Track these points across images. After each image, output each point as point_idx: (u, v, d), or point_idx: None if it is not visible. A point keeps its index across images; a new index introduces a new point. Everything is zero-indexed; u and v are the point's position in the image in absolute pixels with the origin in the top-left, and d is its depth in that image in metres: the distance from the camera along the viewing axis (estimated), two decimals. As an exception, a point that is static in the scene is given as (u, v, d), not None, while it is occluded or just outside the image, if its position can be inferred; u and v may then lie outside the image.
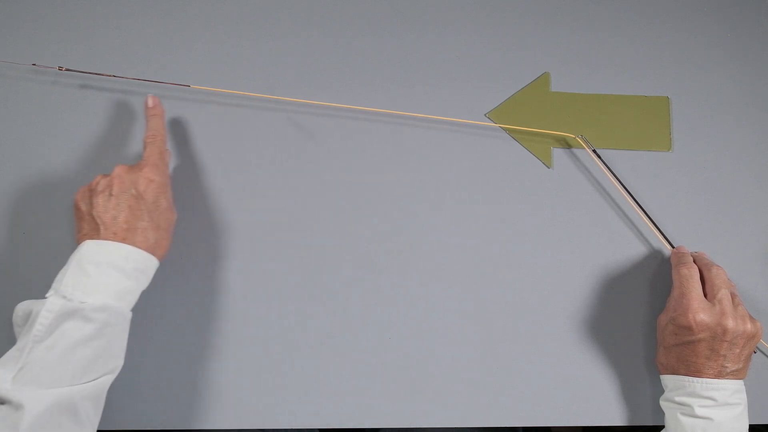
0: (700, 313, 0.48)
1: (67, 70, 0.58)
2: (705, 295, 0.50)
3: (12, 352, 0.42)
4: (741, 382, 0.49)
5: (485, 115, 0.60)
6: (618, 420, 0.54)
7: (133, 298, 0.47)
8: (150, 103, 0.54)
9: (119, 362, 0.46)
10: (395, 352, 0.55)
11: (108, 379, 0.45)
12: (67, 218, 0.57)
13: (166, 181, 0.50)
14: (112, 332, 0.45)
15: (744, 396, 0.49)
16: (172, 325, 0.55)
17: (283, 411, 0.54)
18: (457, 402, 0.54)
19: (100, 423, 0.53)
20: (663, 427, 0.52)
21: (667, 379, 0.51)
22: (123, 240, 0.46)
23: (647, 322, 0.56)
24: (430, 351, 0.55)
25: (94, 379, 0.43)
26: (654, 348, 0.55)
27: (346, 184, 0.58)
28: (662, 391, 0.53)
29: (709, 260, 0.53)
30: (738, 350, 0.49)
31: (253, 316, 0.56)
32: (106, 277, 0.45)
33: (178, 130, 0.59)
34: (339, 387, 0.54)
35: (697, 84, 0.61)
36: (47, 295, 0.44)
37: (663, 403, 0.52)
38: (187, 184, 0.58)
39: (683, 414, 0.49)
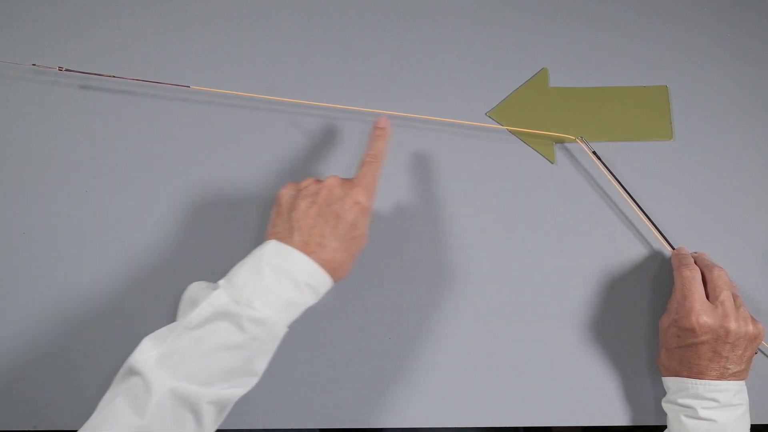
0: (703, 315, 0.48)
1: (67, 70, 0.58)
2: (707, 297, 0.50)
3: (164, 330, 0.42)
4: (743, 383, 0.49)
5: (486, 114, 0.60)
6: (619, 420, 0.54)
7: (295, 312, 0.45)
8: (381, 124, 0.51)
9: (254, 380, 0.44)
10: (395, 353, 0.55)
11: (238, 393, 0.44)
12: (67, 218, 0.57)
13: (370, 206, 0.48)
14: (258, 348, 0.43)
15: (746, 397, 0.49)
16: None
17: (283, 411, 0.54)
18: (457, 402, 0.54)
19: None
20: (664, 426, 0.51)
21: (670, 382, 0.51)
22: (311, 253, 0.44)
23: (648, 321, 0.56)
24: (431, 351, 0.55)
25: (226, 388, 0.42)
26: (654, 345, 0.55)
27: (346, 184, 0.58)
28: (663, 390, 0.53)
29: (710, 261, 0.53)
30: (740, 352, 0.48)
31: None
32: (277, 283, 0.43)
33: (177, 130, 0.59)
34: (339, 387, 0.54)
35: (696, 74, 0.61)
36: (219, 282, 0.43)
37: (665, 405, 0.51)
38: (187, 185, 0.58)
39: (686, 416, 0.48)
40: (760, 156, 0.59)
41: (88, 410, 0.54)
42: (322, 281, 0.45)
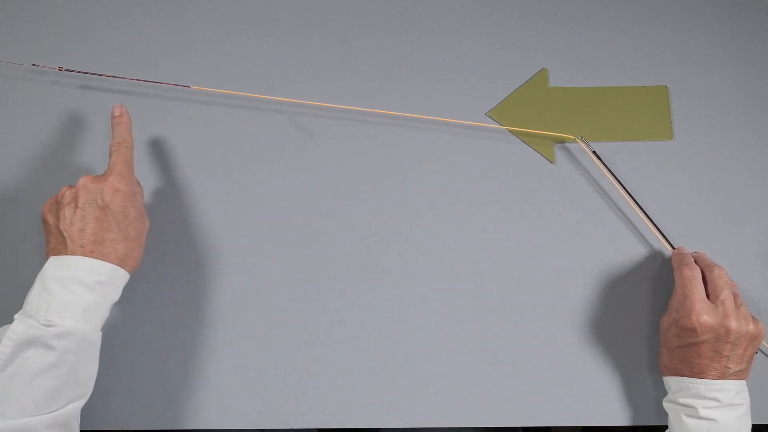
0: (704, 314, 0.48)
1: (67, 70, 0.58)
2: (707, 296, 0.50)
3: None
4: (744, 382, 0.49)
5: (486, 114, 0.60)
6: (619, 420, 0.54)
7: (100, 313, 0.45)
8: (116, 111, 0.52)
9: (87, 389, 0.45)
10: (395, 352, 0.55)
11: (76, 407, 0.44)
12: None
13: (133, 189, 0.49)
14: (76, 359, 0.43)
15: (747, 396, 0.49)
16: (171, 325, 0.55)
17: (283, 411, 0.54)
18: (457, 402, 0.54)
19: (99, 422, 0.53)
20: (665, 427, 0.51)
21: (671, 381, 0.51)
22: (91, 253, 0.45)
23: (648, 321, 0.56)
24: (431, 351, 0.55)
25: (59, 408, 0.42)
26: (655, 345, 0.55)
27: (347, 185, 0.58)
28: (664, 390, 0.53)
29: (710, 260, 0.53)
30: (741, 351, 0.48)
31: (253, 317, 0.55)
32: (68, 293, 0.43)
33: (177, 130, 0.59)
34: (339, 387, 0.54)
35: (696, 74, 0.61)
36: (15, 315, 0.44)
37: (666, 405, 0.51)
38: (187, 185, 0.58)
39: (687, 415, 0.48)
40: (760, 156, 0.59)
41: (88, 410, 0.54)
42: (115, 274, 0.46)
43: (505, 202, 0.58)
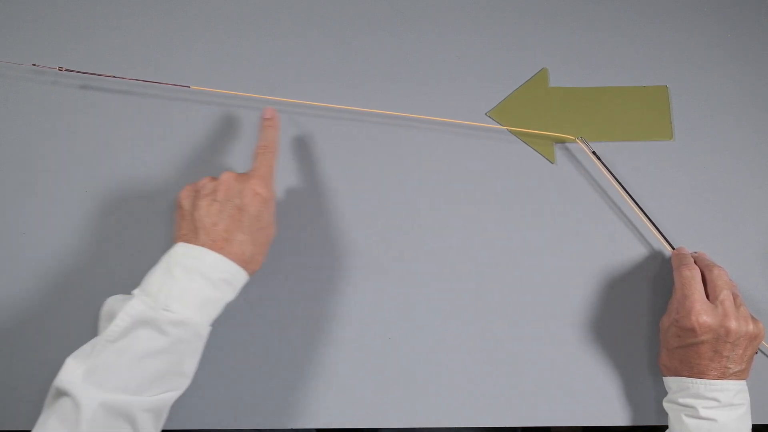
0: (703, 315, 0.48)
1: (67, 70, 0.58)
2: (707, 297, 0.50)
3: (86, 347, 0.42)
4: (744, 382, 0.49)
5: (486, 114, 0.60)
6: (620, 420, 0.54)
7: (215, 309, 0.45)
8: (267, 114, 0.52)
9: (186, 381, 0.45)
10: (396, 352, 0.55)
11: (172, 396, 0.44)
12: (67, 218, 0.57)
13: (271, 195, 0.49)
14: (184, 349, 0.43)
15: (747, 396, 0.49)
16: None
17: (283, 411, 0.54)
18: (457, 402, 0.54)
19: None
20: (665, 427, 0.51)
21: (671, 381, 0.51)
22: (220, 249, 0.45)
23: (648, 321, 0.56)
24: (431, 351, 0.55)
25: (158, 394, 0.42)
26: (655, 345, 0.55)
27: (347, 185, 0.58)
28: (664, 390, 0.53)
29: (710, 261, 0.53)
30: (741, 351, 0.48)
31: (253, 316, 0.55)
32: (191, 282, 0.44)
33: (177, 130, 0.59)
34: (339, 387, 0.54)
35: (696, 74, 0.61)
36: (134, 291, 0.44)
37: (666, 405, 0.51)
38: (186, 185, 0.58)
39: (687, 415, 0.48)
40: (760, 156, 0.59)
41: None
42: (237, 275, 0.46)
43: (505, 202, 0.58)
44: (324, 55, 0.61)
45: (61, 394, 0.40)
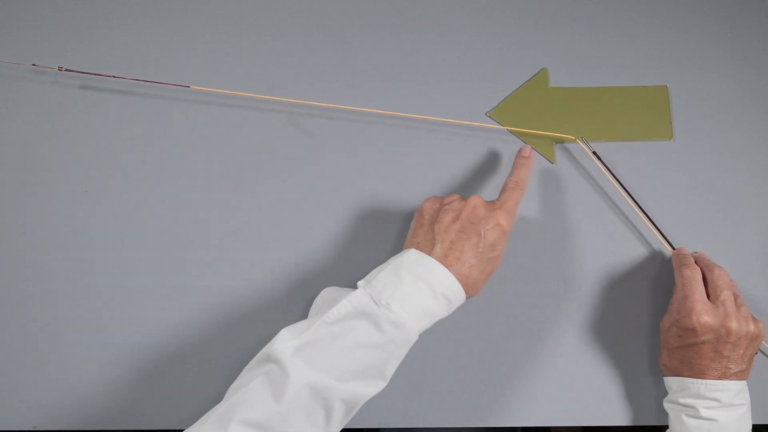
0: (704, 315, 0.48)
1: (67, 70, 0.58)
2: (708, 297, 0.50)
3: (302, 323, 0.43)
4: (744, 382, 0.49)
5: (486, 114, 0.60)
6: (620, 420, 0.54)
7: (429, 322, 0.45)
8: (525, 153, 0.53)
9: (383, 384, 0.44)
10: (395, 353, 0.55)
11: (369, 393, 0.43)
12: (67, 218, 0.57)
13: (509, 230, 0.49)
14: (393, 351, 0.44)
15: (747, 396, 0.49)
16: (172, 325, 0.55)
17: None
18: (458, 402, 0.54)
19: (101, 423, 0.53)
20: (665, 427, 0.51)
21: (671, 381, 0.51)
22: (450, 266, 0.45)
23: (648, 321, 0.56)
24: (431, 351, 0.55)
25: (358, 387, 0.43)
26: (655, 345, 0.55)
27: (347, 185, 0.58)
28: (664, 390, 0.53)
29: (711, 261, 0.53)
30: (741, 351, 0.48)
31: (252, 316, 0.55)
32: (416, 290, 0.44)
33: (177, 130, 0.59)
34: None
35: (696, 74, 0.61)
36: (359, 282, 0.45)
37: (667, 405, 0.51)
38: (187, 185, 0.58)
39: (688, 415, 0.48)
40: (760, 156, 0.59)
41: (88, 410, 0.54)
42: (458, 294, 0.46)
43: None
44: (324, 55, 0.61)
45: (271, 360, 0.41)
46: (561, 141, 0.60)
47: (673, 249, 0.56)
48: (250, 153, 0.59)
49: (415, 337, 0.45)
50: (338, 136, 0.59)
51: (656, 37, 0.62)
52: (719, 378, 0.48)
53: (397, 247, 0.57)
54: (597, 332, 0.56)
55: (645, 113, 0.60)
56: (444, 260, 0.46)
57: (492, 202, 0.50)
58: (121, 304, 0.55)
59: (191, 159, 0.59)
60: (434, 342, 0.55)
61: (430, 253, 0.46)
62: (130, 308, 0.55)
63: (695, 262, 0.52)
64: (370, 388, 0.43)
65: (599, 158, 0.58)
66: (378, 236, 0.57)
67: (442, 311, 0.46)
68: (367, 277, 0.45)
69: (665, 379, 0.52)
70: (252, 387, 0.40)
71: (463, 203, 0.49)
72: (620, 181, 0.58)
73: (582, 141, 0.59)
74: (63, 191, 0.58)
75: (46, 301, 0.55)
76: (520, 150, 0.54)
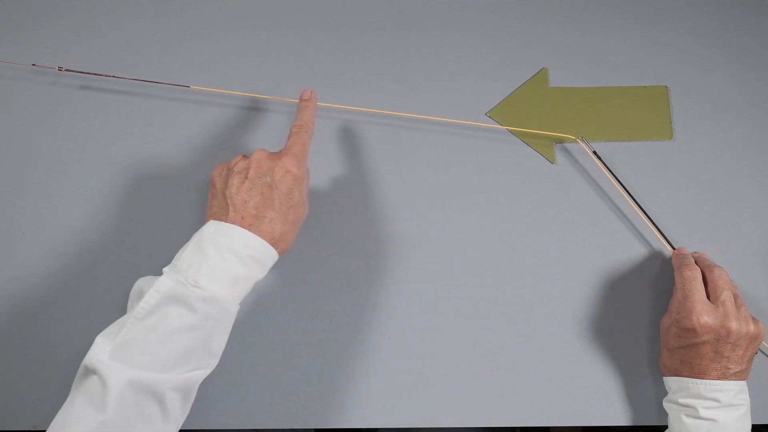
0: (704, 315, 0.48)
1: (67, 70, 0.58)
2: (708, 297, 0.50)
3: (114, 326, 0.42)
4: (744, 382, 0.49)
5: (486, 114, 0.60)
6: (620, 420, 0.54)
7: (244, 287, 0.45)
8: (305, 95, 0.53)
9: (214, 360, 0.45)
10: (395, 352, 0.55)
11: (200, 375, 0.44)
12: (67, 218, 0.57)
13: (303, 174, 0.49)
14: (213, 327, 0.43)
15: (747, 397, 0.49)
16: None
17: (283, 411, 0.54)
18: (457, 402, 0.54)
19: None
20: (665, 427, 0.51)
21: (671, 381, 0.51)
22: (249, 226, 0.45)
23: (648, 321, 0.56)
24: (430, 351, 0.55)
25: (186, 372, 0.42)
26: (655, 345, 0.55)
27: (347, 185, 0.58)
28: (664, 390, 0.53)
29: (711, 261, 0.53)
30: (741, 351, 0.48)
31: (253, 317, 0.55)
32: (221, 259, 0.44)
33: (177, 130, 0.59)
34: (338, 387, 0.54)
35: (696, 74, 0.61)
36: (164, 269, 0.44)
37: (666, 405, 0.51)
38: (187, 185, 0.58)
39: (687, 415, 0.48)
40: (760, 156, 0.59)
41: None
42: (266, 253, 0.46)
43: (505, 203, 0.58)
44: (324, 55, 0.61)
45: (89, 372, 0.40)
46: (561, 141, 0.60)
47: (674, 249, 0.56)
48: (250, 153, 0.59)
49: (234, 308, 0.45)
50: (338, 136, 0.59)
51: (656, 37, 0.62)
52: (719, 378, 0.48)
53: (398, 246, 0.57)
54: (597, 332, 0.56)
55: (645, 113, 0.60)
56: (241, 222, 0.45)
57: (277, 152, 0.49)
58: (122, 305, 0.55)
59: (191, 159, 0.59)
60: (434, 342, 0.55)
61: (226, 219, 0.46)
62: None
63: (695, 263, 0.52)
64: (199, 370, 0.43)
65: (599, 158, 0.58)
66: (377, 236, 0.57)
67: (255, 274, 0.45)
68: (173, 259, 0.45)
69: (665, 379, 0.52)
70: (75, 404, 0.39)
71: (248, 160, 0.48)
72: (620, 181, 0.58)
73: (582, 141, 0.59)
74: (63, 191, 0.58)
75: (46, 301, 0.55)
76: (301, 94, 0.53)
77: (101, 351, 0.41)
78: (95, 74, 0.59)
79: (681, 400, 0.49)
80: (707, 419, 0.47)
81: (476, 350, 0.55)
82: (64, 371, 0.54)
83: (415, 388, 0.54)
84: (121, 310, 0.55)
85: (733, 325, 0.48)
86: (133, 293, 0.45)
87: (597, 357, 0.55)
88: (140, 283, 0.45)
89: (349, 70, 0.61)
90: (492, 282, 0.56)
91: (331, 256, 0.57)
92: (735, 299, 0.49)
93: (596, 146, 0.59)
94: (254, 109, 0.60)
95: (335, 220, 0.57)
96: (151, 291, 0.42)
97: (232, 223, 0.45)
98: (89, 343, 0.54)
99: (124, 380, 0.39)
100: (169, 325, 0.42)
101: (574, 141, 0.59)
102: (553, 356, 0.55)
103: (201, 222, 0.57)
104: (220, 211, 0.47)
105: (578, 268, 0.57)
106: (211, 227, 0.45)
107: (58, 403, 0.53)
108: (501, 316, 0.56)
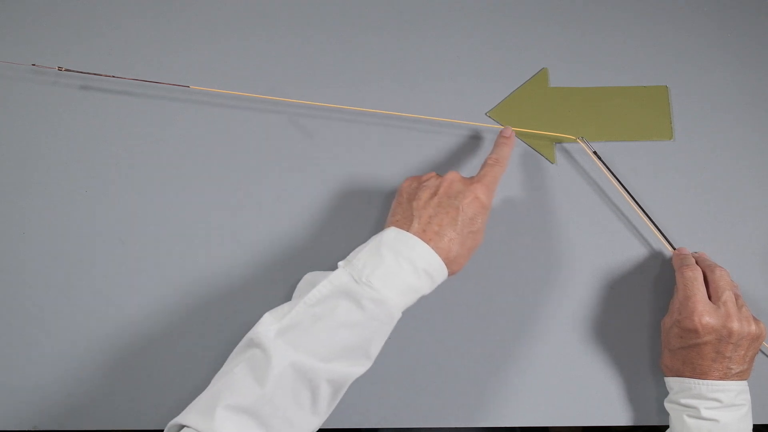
0: (706, 315, 0.48)
1: (67, 70, 0.58)
2: (709, 297, 0.50)
3: (284, 306, 0.43)
4: (745, 383, 0.49)
5: (486, 114, 0.60)
6: (621, 420, 0.54)
7: (411, 298, 0.45)
8: (506, 133, 0.54)
9: (368, 363, 0.44)
10: (396, 352, 0.55)
11: (354, 373, 0.43)
12: (67, 218, 0.57)
13: (489, 205, 0.49)
14: (376, 329, 0.44)
15: (748, 397, 0.49)
16: (172, 324, 0.55)
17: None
18: (457, 402, 0.54)
19: (101, 422, 0.53)
20: (666, 427, 0.51)
21: (672, 382, 0.51)
22: (429, 241, 0.45)
23: (649, 321, 0.56)
24: (431, 351, 0.55)
25: (344, 367, 0.43)
26: (656, 345, 0.55)
27: (347, 185, 0.58)
28: (665, 390, 0.52)
29: (711, 261, 0.53)
30: (743, 352, 0.48)
31: (251, 316, 0.55)
32: (397, 267, 0.44)
33: (177, 130, 0.59)
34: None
35: (696, 74, 0.61)
36: (339, 263, 0.45)
37: (668, 405, 0.51)
38: (187, 185, 0.58)
39: (689, 416, 0.48)
40: (760, 156, 0.59)
41: (88, 410, 0.54)
42: (439, 270, 0.46)
43: (505, 202, 0.58)
44: (324, 55, 0.61)
45: (254, 345, 0.42)
46: (561, 141, 0.60)
47: (674, 249, 0.56)
48: (250, 153, 0.59)
49: (398, 314, 0.45)
50: (338, 136, 0.59)
51: (656, 37, 0.62)
52: (720, 378, 0.48)
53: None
54: (597, 332, 0.55)
55: (645, 113, 0.60)
56: (422, 235, 0.46)
57: (470, 178, 0.50)
58: (122, 305, 0.55)
59: (191, 159, 0.59)
60: (434, 342, 0.55)
61: (408, 229, 0.46)
62: (131, 308, 0.55)
63: (696, 263, 0.52)
64: (355, 367, 0.43)
65: (599, 158, 0.58)
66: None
67: (424, 287, 0.46)
68: (347, 257, 0.45)
69: (666, 379, 0.52)
70: (236, 372, 0.40)
71: (441, 179, 0.49)
72: (620, 181, 0.58)
73: (582, 141, 0.59)
74: (63, 191, 0.58)
75: (45, 301, 0.55)
76: (501, 131, 0.54)
77: (269, 328, 0.42)
78: (95, 74, 0.59)
79: (683, 401, 0.49)
80: (709, 419, 0.47)
81: (476, 350, 0.55)
82: (64, 371, 0.54)
83: (415, 388, 0.54)
84: (125, 309, 0.55)
85: (735, 325, 0.48)
86: (302, 284, 0.46)
87: (597, 357, 0.55)
88: (311, 275, 0.46)
89: (349, 70, 0.61)
90: (492, 282, 0.56)
91: (330, 255, 0.56)
92: (736, 299, 0.49)
93: (596, 146, 0.59)
94: (254, 109, 0.60)
95: (334, 220, 0.57)
96: (325, 281, 0.43)
97: (414, 234, 0.46)
98: (89, 342, 0.54)
99: (288, 360, 0.40)
100: (337, 317, 0.42)
101: (574, 141, 0.59)
102: (553, 356, 0.55)
103: (205, 222, 0.57)
104: (402, 220, 0.47)
105: (578, 268, 0.57)
106: (392, 233, 0.46)
107: (58, 403, 0.54)
108: (501, 316, 0.56)
